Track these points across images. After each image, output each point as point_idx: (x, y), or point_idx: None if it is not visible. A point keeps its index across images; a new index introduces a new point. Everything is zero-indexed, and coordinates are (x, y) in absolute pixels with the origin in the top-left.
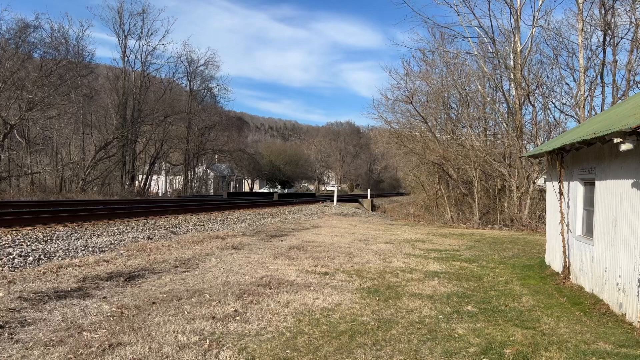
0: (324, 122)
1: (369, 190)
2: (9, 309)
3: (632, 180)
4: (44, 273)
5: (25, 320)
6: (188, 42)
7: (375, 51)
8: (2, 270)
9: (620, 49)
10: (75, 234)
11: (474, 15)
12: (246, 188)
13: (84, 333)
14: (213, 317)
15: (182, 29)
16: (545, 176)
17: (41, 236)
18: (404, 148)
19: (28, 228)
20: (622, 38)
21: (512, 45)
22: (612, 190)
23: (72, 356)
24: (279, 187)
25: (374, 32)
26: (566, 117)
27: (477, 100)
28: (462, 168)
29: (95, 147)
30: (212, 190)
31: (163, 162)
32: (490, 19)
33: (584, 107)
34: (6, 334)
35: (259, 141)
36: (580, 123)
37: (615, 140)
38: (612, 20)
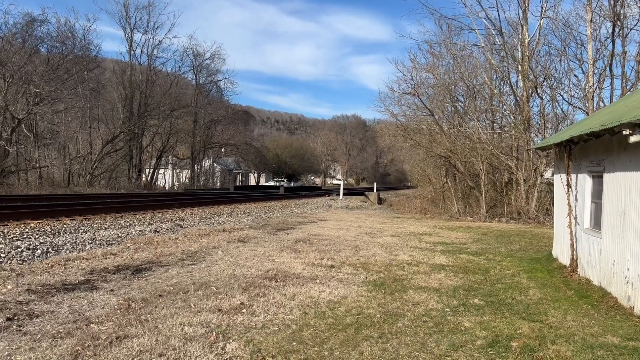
0: (331, 116)
1: (375, 183)
2: (18, 301)
3: None
4: (52, 266)
5: (34, 313)
6: (194, 36)
7: (384, 44)
8: (11, 263)
9: (629, 40)
10: (83, 228)
11: (481, 6)
12: (252, 182)
13: (92, 325)
14: (219, 310)
15: (192, 23)
16: (552, 169)
17: (49, 229)
18: (411, 141)
19: (36, 221)
20: (631, 29)
21: (520, 37)
22: (620, 183)
23: (79, 348)
24: (285, 180)
25: (384, 25)
26: (574, 109)
27: (484, 93)
28: (469, 161)
29: (103, 141)
30: (218, 184)
31: (170, 156)
32: (498, 11)
33: (592, 99)
34: (15, 326)
35: (265, 135)
36: (588, 115)
37: (624, 132)
38: (622, 11)
